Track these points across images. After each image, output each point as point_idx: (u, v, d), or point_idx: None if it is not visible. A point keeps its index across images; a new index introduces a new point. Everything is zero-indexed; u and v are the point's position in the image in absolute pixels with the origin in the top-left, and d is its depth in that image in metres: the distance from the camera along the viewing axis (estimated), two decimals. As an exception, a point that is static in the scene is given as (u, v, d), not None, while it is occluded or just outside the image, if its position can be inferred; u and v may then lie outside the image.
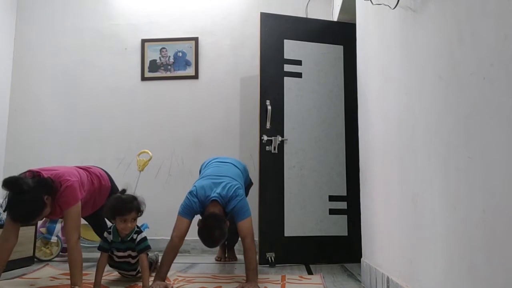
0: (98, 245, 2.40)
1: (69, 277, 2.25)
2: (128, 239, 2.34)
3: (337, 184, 3.47)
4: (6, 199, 2.19)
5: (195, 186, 2.62)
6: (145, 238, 2.37)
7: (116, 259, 2.41)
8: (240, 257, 3.42)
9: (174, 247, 2.44)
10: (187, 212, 2.53)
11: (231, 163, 2.96)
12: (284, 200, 3.35)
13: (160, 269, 2.36)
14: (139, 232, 2.38)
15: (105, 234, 2.38)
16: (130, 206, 2.29)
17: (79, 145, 4.22)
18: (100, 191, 2.72)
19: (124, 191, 2.43)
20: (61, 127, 4.31)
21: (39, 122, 4.32)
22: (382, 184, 2.17)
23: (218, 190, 2.55)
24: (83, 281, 2.27)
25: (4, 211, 2.22)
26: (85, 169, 2.67)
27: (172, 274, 2.67)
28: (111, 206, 2.32)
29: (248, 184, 3.15)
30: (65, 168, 2.46)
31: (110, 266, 2.47)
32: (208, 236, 2.40)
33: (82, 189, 2.43)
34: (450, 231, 1.26)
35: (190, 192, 2.58)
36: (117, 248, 2.37)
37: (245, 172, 3.07)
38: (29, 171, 2.33)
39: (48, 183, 2.25)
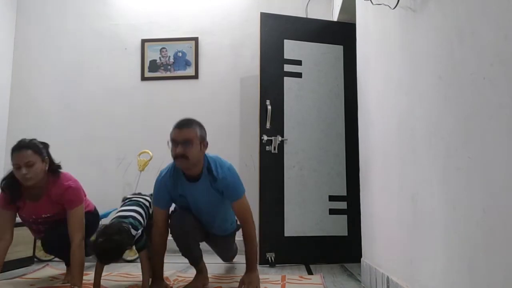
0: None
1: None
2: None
3: (337, 184, 3.47)
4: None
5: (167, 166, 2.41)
6: (141, 237, 2.26)
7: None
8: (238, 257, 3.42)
9: (159, 245, 2.31)
10: (160, 197, 2.31)
11: None
12: (284, 200, 3.35)
13: (155, 270, 2.30)
14: (134, 238, 2.20)
15: None
16: (111, 259, 2.08)
17: (79, 145, 4.22)
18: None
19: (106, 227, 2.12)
20: (61, 127, 4.31)
21: (39, 122, 4.32)
22: (382, 184, 2.17)
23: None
24: (83, 281, 2.28)
25: None
26: None
27: (172, 274, 2.67)
28: (95, 251, 2.07)
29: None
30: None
31: None
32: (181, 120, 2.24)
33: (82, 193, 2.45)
34: (450, 231, 1.26)
35: (160, 172, 2.38)
36: None
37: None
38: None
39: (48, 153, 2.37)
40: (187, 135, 2.21)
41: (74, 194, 2.35)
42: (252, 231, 2.34)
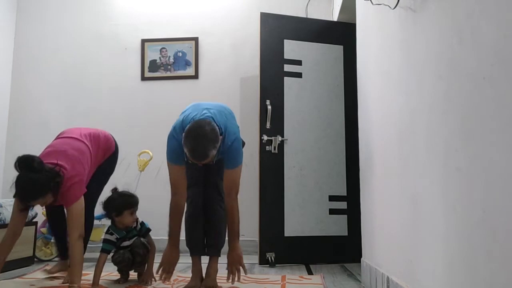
0: (98, 245, 2.44)
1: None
2: (133, 227, 2.52)
3: (337, 184, 3.47)
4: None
5: (178, 119, 2.25)
6: (143, 222, 2.59)
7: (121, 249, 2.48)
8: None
9: (177, 205, 2.22)
10: (175, 155, 2.19)
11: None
12: (284, 200, 3.35)
13: (172, 234, 2.24)
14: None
15: (107, 236, 2.46)
16: (136, 199, 2.52)
17: (79, 145, 4.21)
18: (104, 156, 2.80)
19: (116, 189, 2.56)
20: (61, 127, 4.26)
21: (39, 122, 4.32)
22: (382, 184, 2.17)
23: (211, 111, 2.17)
24: (82, 280, 2.28)
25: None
26: (92, 139, 2.69)
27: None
28: (120, 202, 2.45)
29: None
30: (73, 157, 2.42)
31: (116, 263, 2.50)
32: (196, 133, 1.99)
33: (84, 184, 2.42)
34: (450, 231, 1.26)
35: (173, 128, 2.21)
36: (123, 239, 2.49)
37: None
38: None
39: (58, 175, 2.25)
40: (205, 162, 2.09)
41: (71, 192, 2.32)
42: (234, 205, 2.23)
